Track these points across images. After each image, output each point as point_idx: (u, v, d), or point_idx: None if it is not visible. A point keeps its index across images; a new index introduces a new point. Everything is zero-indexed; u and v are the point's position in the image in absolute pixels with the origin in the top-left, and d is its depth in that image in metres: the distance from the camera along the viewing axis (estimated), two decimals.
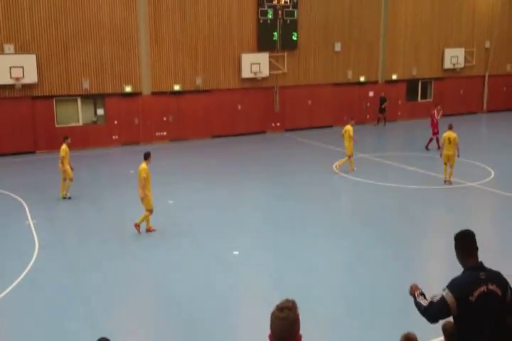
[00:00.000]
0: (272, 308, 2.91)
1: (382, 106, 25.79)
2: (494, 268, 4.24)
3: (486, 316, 4.04)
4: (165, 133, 22.36)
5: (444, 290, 4.11)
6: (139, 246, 10.74)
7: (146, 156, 11.11)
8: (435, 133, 19.91)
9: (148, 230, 11.31)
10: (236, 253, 10.15)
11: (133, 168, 17.35)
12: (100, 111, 21.60)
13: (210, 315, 7.84)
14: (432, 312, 4.16)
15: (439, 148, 18.88)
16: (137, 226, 11.12)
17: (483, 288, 4.00)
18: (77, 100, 21.13)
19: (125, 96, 21.56)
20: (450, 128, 15.09)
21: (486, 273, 4.09)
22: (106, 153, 20.60)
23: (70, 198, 13.85)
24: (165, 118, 22.30)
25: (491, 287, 4.04)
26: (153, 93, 22.03)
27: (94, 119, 21.71)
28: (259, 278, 9.35)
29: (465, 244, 4.20)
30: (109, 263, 9.87)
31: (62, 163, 13.61)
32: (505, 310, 4.13)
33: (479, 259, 4.16)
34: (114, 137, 21.74)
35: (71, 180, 13.80)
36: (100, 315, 7.98)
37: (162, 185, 15.24)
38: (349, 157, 16.45)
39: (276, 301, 2.98)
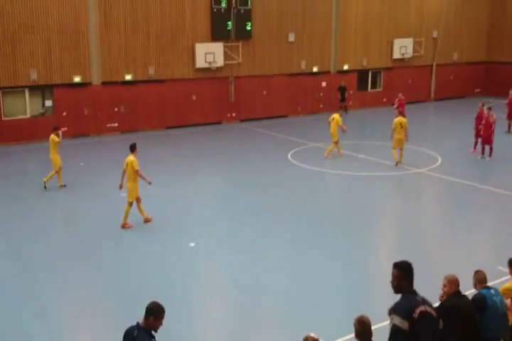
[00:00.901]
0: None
1: (345, 95, 26.27)
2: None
3: (431, 335, 4.44)
4: (116, 125, 21.91)
5: (390, 316, 4.45)
6: (90, 240, 10.55)
7: (133, 148, 11.04)
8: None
9: (124, 226, 11.06)
10: (192, 244, 10.15)
11: (83, 161, 17.09)
12: (48, 103, 20.90)
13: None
14: None
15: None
16: (125, 225, 11.04)
17: (422, 308, 4.43)
18: (24, 92, 20.36)
19: (74, 87, 20.96)
20: (400, 113, 16.48)
21: (423, 298, 4.59)
22: None
23: (65, 186, 13.97)
24: (116, 109, 21.84)
25: (428, 308, 4.49)
26: (104, 83, 21.50)
27: (42, 111, 21.00)
28: (215, 269, 9.39)
29: (409, 274, 4.67)
30: (60, 258, 9.67)
31: (56, 152, 13.73)
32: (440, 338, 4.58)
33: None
34: (63, 129, 21.03)
35: (55, 170, 13.87)
36: (50, 310, 7.83)
37: (114, 177, 14.99)
38: (335, 143, 17.08)
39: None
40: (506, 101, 20.87)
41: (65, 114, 21.01)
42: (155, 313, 4.61)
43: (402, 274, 4.68)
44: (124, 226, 11.04)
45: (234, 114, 24.60)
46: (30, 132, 20.39)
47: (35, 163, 17.00)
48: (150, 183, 11.10)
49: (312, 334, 4.86)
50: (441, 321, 4.69)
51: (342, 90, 26.35)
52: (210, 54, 22.99)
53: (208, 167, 16.47)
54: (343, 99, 26.42)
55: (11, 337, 7.13)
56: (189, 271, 9.09)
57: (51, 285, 8.62)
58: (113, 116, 21.84)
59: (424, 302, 4.55)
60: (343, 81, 26.61)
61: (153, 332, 4.65)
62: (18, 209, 12.38)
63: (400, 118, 16.04)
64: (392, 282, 4.72)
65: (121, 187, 11.22)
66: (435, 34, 30.08)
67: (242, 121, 24.72)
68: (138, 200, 11.13)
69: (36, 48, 20.00)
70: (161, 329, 4.68)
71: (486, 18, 31.79)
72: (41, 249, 10.03)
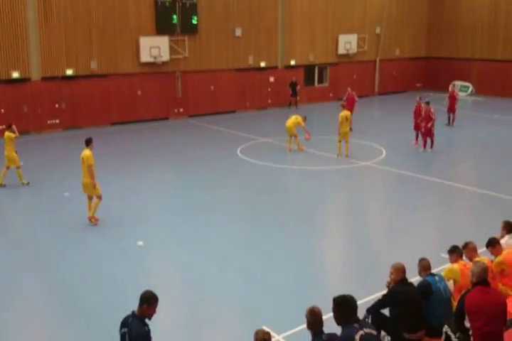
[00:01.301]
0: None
1: (296, 90, 26.48)
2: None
3: None
4: (57, 121, 21.06)
5: None
6: (33, 243, 10.10)
7: (89, 142, 10.71)
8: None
9: (91, 219, 10.80)
10: (140, 243, 9.91)
11: (22, 159, 16.30)
12: None
13: (109, 308, 7.60)
14: None
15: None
16: (92, 218, 10.75)
17: (361, 332, 4.78)
18: None
19: (12, 83, 19.97)
20: (344, 107, 16.89)
21: (359, 324, 4.87)
22: None
23: (28, 184, 13.66)
24: (57, 105, 20.98)
25: (367, 330, 4.84)
26: (44, 78, 20.62)
27: None
28: (164, 268, 9.23)
29: (346, 308, 4.88)
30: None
31: (13, 149, 13.44)
32: None
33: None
34: (0, 127, 20.11)
35: (6, 167, 13.57)
36: None
37: (54, 176, 14.44)
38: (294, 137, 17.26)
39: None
40: (447, 94, 21.68)
41: (2, 111, 20.00)
42: (148, 301, 4.87)
43: (338, 309, 4.91)
44: (91, 219, 10.80)
45: (181, 110, 24.25)
46: None
47: None
48: (94, 186, 10.64)
49: (263, 328, 4.87)
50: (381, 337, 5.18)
51: (293, 86, 26.56)
52: (155, 48, 22.52)
53: (154, 163, 16.14)
54: (294, 94, 26.65)
55: None
56: (138, 270, 8.87)
57: None
58: (54, 113, 20.99)
59: (362, 326, 4.85)
60: (294, 76, 26.81)
61: (147, 319, 4.92)
62: None
63: (344, 112, 16.46)
64: (333, 316, 4.98)
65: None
66: (378, 30, 30.83)
67: (189, 116, 24.42)
68: (90, 197, 10.83)
69: None
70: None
71: (425, 14, 32.90)
72: None
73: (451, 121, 21.30)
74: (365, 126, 21.44)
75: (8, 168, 13.60)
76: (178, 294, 8.18)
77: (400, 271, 5.95)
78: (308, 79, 28.86)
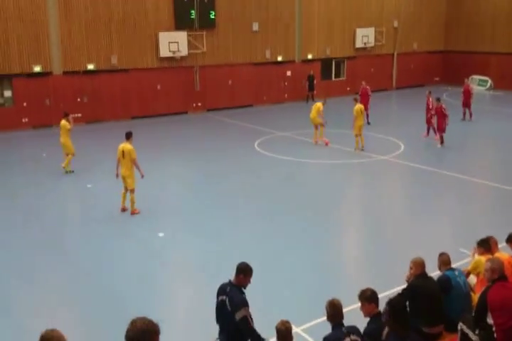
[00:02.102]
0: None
1: (313, 84, 26.50)
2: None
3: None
4: (80, 115, 21.44)
5: None
6: (59, 234, 10.41)
7: (129, 135, 10.98)
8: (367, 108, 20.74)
9: (133, 212, 11.09)
10: (161, 234, 10.15)
11: (45, 152, 16.70)
12: (8, 93, 20.27)
13: (134, 300, 7.86)
14: None
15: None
16: (134, 211, 11.07)
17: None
18: None
19: (34, 77, 20.36)
20: (357, 101, 17.07)
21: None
22: (15, 136, 19.46)
23: (72, 172, 14.13)
24: (79, 99, 21.36)
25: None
26: (65, 72, 20.97)
27: (1, 101, 20.36)
28: (185, 259, 9.45)
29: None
30: (31, 251, 9.52)
31: (68, 136, 13.96)
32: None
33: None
34: (23, 120, 20.55)
35: (70, 154, 14.11)
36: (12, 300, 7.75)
37: (78, 168, 14.76)
38: (316, 128, 17.68)
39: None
40: (462, 89, 21.54)
41: (25, 104, 20.43)
42: (244, 272, 5.35)
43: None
44: (133, 212, 11.10)
45: (199, 104, 24.46)
46: None
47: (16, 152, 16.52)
48: (143, 176, 10.97)
49: (284, 320, 5.02)
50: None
51: (310, 79, 26.57)
52: (173, 43, 22.72)
53: (173, 156, 16.39)
54: (310, 89, 26.61)
55: None
56: (159, 262, 9.11)
57: (15, 271, 8.50)
58: (76, 107, 21.35)
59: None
60: (311, 70, 26.82)
61: (242, 288, 5.35)
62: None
63: (358, 105, 16.70)
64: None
65: (117, 175, 11.07)
66: (396, 24, 30.61)
67: (207, 110, 24.62)
68: (127, 189, 11.09)
69: None
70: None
71: (444, 7, 32.54)
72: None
73: (467, 116, 21.15)
74: (383, 120, 21.42)
75: (67, 154, 14.16)
76: (196, 284, 8.40)
77: (419, 265, 6.05)
78: (326, 73, 28.82)
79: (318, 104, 17.71)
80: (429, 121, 17.88)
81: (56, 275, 8.66)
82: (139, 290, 8.10)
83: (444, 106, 17.00)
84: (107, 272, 8.74)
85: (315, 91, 26.95)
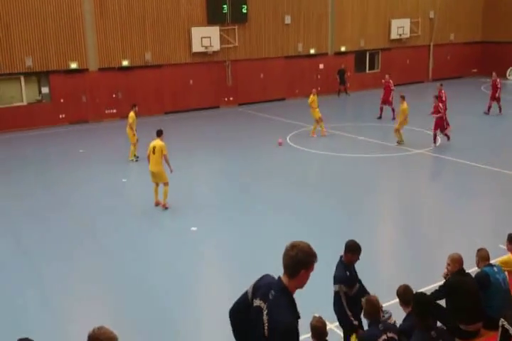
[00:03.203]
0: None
1: (345, 78, 26.18)
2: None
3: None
4: (115, 111, 21.81)
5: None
6: (95, 226, 10.64)
7: (161, 133, 11.23)
8: (391, 103, 20.36)
9: (164, 206, 11.26)
10: (194, 228, 10.24)
11: (82, 147, 17.09)
12: (45, 90, 20.79)
13: (169, 293, 7.95)
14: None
15: (394, 118, 19.65)
16: (161, 204, 11.24)
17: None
18: (20, 78, 20.23)
19: (71, 73, 20.81)
20: (404, 99, 16.32)
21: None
22: (53, 132, 19.97)
23: (137, 160, 14.93)
24: (114, 95, 21.73)
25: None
26: (101, 69, 21.36)
27: (39, 98, 20.90)
28: (217, 253, 9.50)
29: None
30: (66, 244, 9.76)
31: (131, 128, 14.89)
32: None
33: None
34: (60, 116, 21.05)
35: (134, 145, 15.01)
36: (56, 302, 7.95)
37: (114, 163, 15.03)
38: (317, 121, 17.67)
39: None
40: (490, 82, 20.83)
41: (62, 100, 20.92)
42: (351, 250, 5.72)
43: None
44: (164, 206, 11.22)
45: (231, 98, 24.51)
46: (27, 119, 20.33)
47: (33, 152, 16.99)
48: (172, 171, 11.11)
49: (318, 316, 4.98)
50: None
51: (341, 73, 26.22)
52: (206, 38, 22.80)
53: (205, 151, 16.48)
54: (342, 82, 26.33)
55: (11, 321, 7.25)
56: (191, 256, 9.19)
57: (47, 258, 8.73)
58: (111, 102, 21.74)
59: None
60: (342, 64, 26.48)
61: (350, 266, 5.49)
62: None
63: (405, 104, 16.16)
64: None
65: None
66: (432, 14, 29.83)
67: (239, 104, 24.64)
68: (158, 184, 11.33)
69: (31, 34, 19.81)
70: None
71: None
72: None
73: (496, 110, 20.40)
74: (420, 113, 20.95)
75: (134, 144, 15.07)
76: (229, 280, 8.44)
77: (457, 261, 5.91)
78: (359, 66, 28.39)
79: (312, 98, 17.58)
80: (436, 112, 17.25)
81: (91, 265, 8.86)
82: (171, 283, 8.19)
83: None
84: (140, 264, 8.87)
85: (348, 84, 26.60)
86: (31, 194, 12.68)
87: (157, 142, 11.07)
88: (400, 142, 16.21)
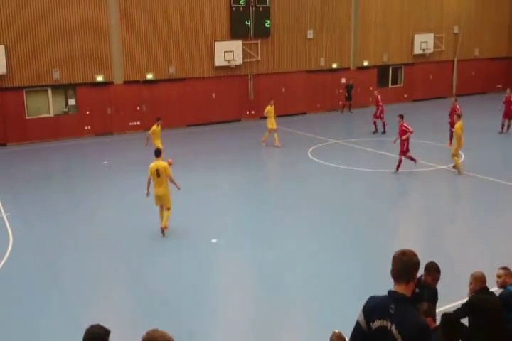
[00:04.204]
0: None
1: (351, 94, 25.79)
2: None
3: None
4: (139, 123, 22.17)
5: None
6: (114, 238, 10.74)
7: (159, 153, 10.73)
8: (382, 117, 20.48)
9: (166, 228, 10.54)
10: (214, 241, 10.26)
11: (107, 159, 17.36)
12: (72, 102, 21.27)
13: (189, 304, 7.96)
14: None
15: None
16: (165, 228, 10.49)
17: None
18: (47, 90, 20.76)
19: (97, 86, 21.27)
20: (460, 117, 15.05)
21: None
22: (79, 143, 20.37)
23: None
24: (138, 108, 22.10)
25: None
26: (126, 82, 21.78)
27: (66, 110, 21.38)
28: (238, 265, 9.49)
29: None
30: (85, 255, 9.88)
31: (152, 140, 15.69)
32: None
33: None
34: (86, 127, 21.48)
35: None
36: (78, 309, 8.03)
37: (137, 175, 15.20)
38: (269, 131, 18.53)
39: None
40: (503, 99, 20.45)
41: (88, 112, 21.35)
42: (426, 269, 5.72)
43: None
44: (166, 227, 10.52)
45: (253, 112, 24.67)
46: (54, 131, 20.78)
47: (59, 163, 17.30)
48: (179, 188, 10.66)
49: (337, 331, 4.91)
50: None
51: (349, 88, 25.78)
52: (229, 52, 23.10)
53: (226, 163, 16.58)
54: (348, 98, 25.82)
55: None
56: (212, 268, 9.20)
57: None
58: (135, 115, 22.10)
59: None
60: (351, 79, 26.13)
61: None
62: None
63: (460, 122, 14.78)
64: None
65: (148, 194, 10.58)
66: (456, 30, 29.70)
67: (261, 118, 24.73)
68: (163, 207, 10.68)
69: (58, 48, 20.36)
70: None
71: (508, 12, 31.28)
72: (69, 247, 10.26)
73: (505, 128, 20.05)
74: (443, 128, 20.73)
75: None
76: (251, 292, 8.41)
77: (479, 280, 5.79)
78: (382, 80, 28.33)
79: (268, 108, 18.59)
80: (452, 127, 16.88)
81: (102, 275, 8.93)
82: (192, 295, 8.20)
83: (405, 123, 14.71)
84: (157, 277, 8.91)
85: (352, 101, 25.94)
86: (56, 205, 12.89)
87: (159, 163, 10.42)
88: (456, 168, 14.59)
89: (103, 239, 10.55)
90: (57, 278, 8.91)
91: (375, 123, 20.59)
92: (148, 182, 10.47)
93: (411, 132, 14.50)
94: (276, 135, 18.42)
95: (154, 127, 15.80)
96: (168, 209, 10.59)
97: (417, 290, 5.22)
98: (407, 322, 3.30)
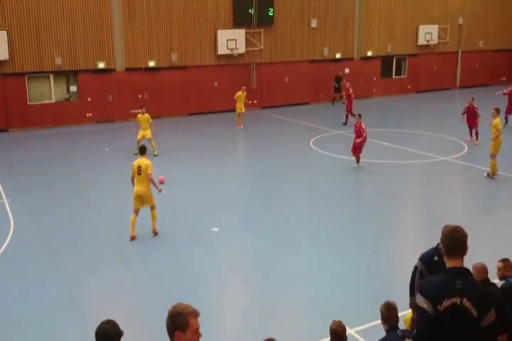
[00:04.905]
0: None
1: (341, 85, 24.92)
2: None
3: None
4: (140, 111, 22.00)
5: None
6: (116, 226, 10.74)
7: (144, 150, 9.95)
8: (350, 109, 20.20)
9: (155, 230, 9.94)
10: (215, 229, 10.26)
11: (108, 146, 17.31)
12: (73, 88, 21.17)
13: (189, 293, 7.98)
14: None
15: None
16: (155, 230, 9.91)
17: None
18: (49, 77, 20.65)
19: (98, 73, 21.14)
20: (498, 112, 13.52)
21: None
22: (80, 130, 20.30)
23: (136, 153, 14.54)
24: (140, 96, 21.99)
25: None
26: (127, 69, 21.64)
27: (67, 96, 21.29)
28: (238, 254, 9.50)
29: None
30: (88, 238, 9.89)
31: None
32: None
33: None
34: (87, 114, 21.40)
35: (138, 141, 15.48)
36: (80, 295, 8.05)
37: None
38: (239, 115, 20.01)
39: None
40: (507, 91, 20.28)
41: (89, 99, 21.25)
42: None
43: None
44: (155, 230, 9.95)
45: (255, 101, 24.55)
46: (55, 117, 20.72)
47: (61, 150, 17.27)
48: (160, 191, 9.73)
49: (337, 321, 4.93)
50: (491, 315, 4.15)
51: (338, 80, 25.16)
52: (231, 40, 22.92)
53: (228, 153, 16.54)
54: (338, 90, 25.11)
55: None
56: (213, 256, 9.21)
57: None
58: (137, 103, 21.94)
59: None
60: (340, 71, 25.60)
61: None
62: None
63: (499, 119, 13.37)
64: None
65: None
66: (461, 21, 29.45)
67: (263, 108, 24.67)
68: (138, 212, 9.83)
69: (60, 34, 20.21)
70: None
71: None
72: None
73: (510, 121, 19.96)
74: (447, 120, 20.68)
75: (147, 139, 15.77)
76: (249, 281, 8.42)
77: (481, 271, 5.78)
78: (386, 71, 28.16)
79: (239, 93, 19.99)
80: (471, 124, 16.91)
81: (104, 263, 8.96)
82: (192, 283, 8.21)
83: (363, 125, 14.06)
84: (160, 265, 8.93)
85: (343, 93, 25.39)
86: (57, 192, 12.90)
87: (142, 160, 9.65)
88: (491, 175, 13.15)
89: (104, 225, 10.56)
90: (58, 263, 8.92)
91: (347, 116, 20.30)
92: (132, 181, 9.81)
93: (365, 138, 13.80)
94: (241, 118, 20.00)
95: (139, 115, 15.86)
96: (153, 207, 9.84)
97: (435, 258, 5.13)
98: (477, 293, 3.43)
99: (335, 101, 25.46)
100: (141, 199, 9.75)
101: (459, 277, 3.48)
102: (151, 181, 9.67)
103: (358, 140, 14.12)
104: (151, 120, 15.81)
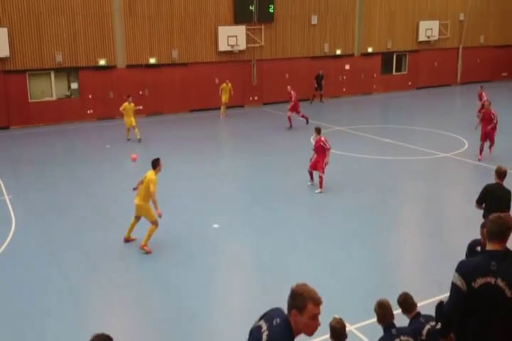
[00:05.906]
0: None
1: (321, 84, 24.76)
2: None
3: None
4: (141, 108, 22.02)
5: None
6: (116, 222, 10.79)
7: (156, 164, 9.01)
8: (299, 112, 19.51)
9: (144, 247, 9.06)
10: (216, 226, 10.30)
11: (109, 143, 17.35)
12: (74, 85, 21.19)
13: (191, 290, 8.03)
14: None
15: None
16: (145, 246, 9.05)
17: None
18: (50, 74, 20.66)
19: (99, 70, 21.15)
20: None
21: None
22: (81, 127, 20.34)
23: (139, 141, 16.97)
24: (141, 92, 22.02)
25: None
26: (128, 66, 21.65)
27: (68, 93, 21.30)
28: (238, 250, 9.55)
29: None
30: (89, 236, 9.94)
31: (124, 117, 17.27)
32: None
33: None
34: (88, 111, 21.43)
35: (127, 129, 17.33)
36: (81, 293, 8.11)
37: (140, 159, 15.20)
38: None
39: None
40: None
41: (90, 96, 21.28)
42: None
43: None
44: (144, 247, 9.08)
45: (256, 98, 24.57)
46: (56, 114, 20.74)
47: (62, 147, 17.31)
48: (160, 215, 8.84)
49: (337, 317, 4.94)
50: None
51: (319, 78, 24.86)
52: (232, 37, 22.91)
53: (230, 149, 16.58)
54: (318, 88, 24.87)
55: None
56: (214, 252, 9.26)
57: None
58: (138, 99, 21.93)
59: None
60: (320, 70, 25.06)
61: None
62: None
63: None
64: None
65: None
66: (462, 16, 29.39)
67: (264, 104, 24.67)
68: (138, 219, 9.28)
69: (61, 31, 20.21)
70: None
71: None
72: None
73: None
74: (447, 116, 20.69)
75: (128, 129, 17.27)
76: (249, 277, 8.47)
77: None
78: (386, 67, 28.15)
79: (223, 85, 21.45)
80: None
81: (105, 259, 9.01)
82: (194, 280, 8.27)
83: (324, 138, 12.31)
84: (159, 261, 8.97)
85: (323, 92, 25.06)
86: (59, 188, 12.95)
87: (149, 173, 8.95)
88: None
89: (106, 221, 10.61)
90: (60, 260, 8.97)
91: (289, 118, 19.43)
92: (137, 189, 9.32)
93: (328, 149, 12.25)
94: (224, 108, 21.59)
95: (125, 104, 16.96)
96: (153, 222, 9.00)
97: (478, 248, 5.21)
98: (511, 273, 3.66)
99: (313, 100, 24.99)
100: (137, 210, 9.13)
101: (495, 259, 3.71)
102: (153, 201, 8.84)
103: (326, 158, 12.22)
104: (135, 108, 17.31)
